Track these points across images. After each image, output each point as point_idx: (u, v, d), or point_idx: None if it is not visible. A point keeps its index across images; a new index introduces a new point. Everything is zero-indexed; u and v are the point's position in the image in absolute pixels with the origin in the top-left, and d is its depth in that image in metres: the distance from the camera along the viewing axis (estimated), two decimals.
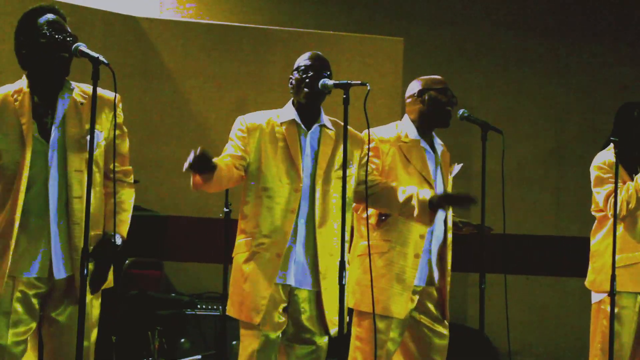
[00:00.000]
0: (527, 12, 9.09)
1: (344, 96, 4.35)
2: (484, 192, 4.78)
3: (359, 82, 4.35)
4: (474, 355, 7.98)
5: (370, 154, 4.82)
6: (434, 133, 5.06)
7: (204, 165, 4.24)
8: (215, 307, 7.22)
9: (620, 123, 5.66)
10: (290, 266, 4.45)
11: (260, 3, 8.81)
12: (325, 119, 4.62)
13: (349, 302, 4.81)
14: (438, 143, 5.07)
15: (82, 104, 4.19)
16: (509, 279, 5.45)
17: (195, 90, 8.04)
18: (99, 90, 4.12)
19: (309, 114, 4.58)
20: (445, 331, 4.98)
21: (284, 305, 4.44)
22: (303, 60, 4.66)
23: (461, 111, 4.89)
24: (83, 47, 4.00)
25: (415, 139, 4.95)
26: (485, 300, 4.79)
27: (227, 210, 6.84)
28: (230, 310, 4.49)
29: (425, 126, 5.00)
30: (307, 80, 4.52)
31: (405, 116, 5.05)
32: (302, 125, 4.56)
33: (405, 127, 4.98)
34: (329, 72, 4.55)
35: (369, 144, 4.79)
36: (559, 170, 8.97)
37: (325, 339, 4.53)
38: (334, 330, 4.49)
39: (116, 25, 7.80)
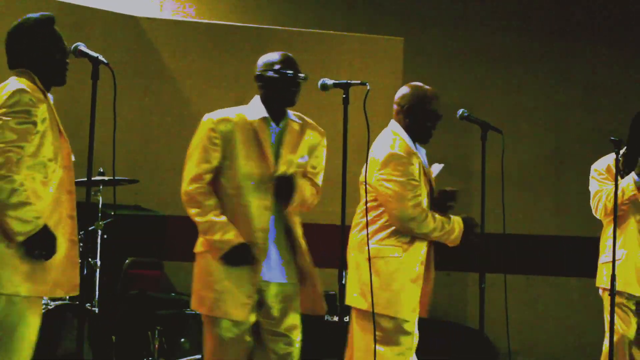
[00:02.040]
0: (527, 12, 9.09)
1: (344, 96, 4.36)
2: (483, 192, 4.78)
3: (359, 81, 4.36)
4: (474, 355, 7.98)
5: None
6: None
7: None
8: None
9: (634, 131, 5.79)
10: (266, 261, 4.50)
11: (260, 3, 8.81)
12: (290, 113, 4.66)
13: (362, 305, 4.84)
14: (421, 151, 5.08)
15: None
16: (508, 278, 5.46)
17: (195, 90, 8.04)
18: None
19: (279, 110, 4.60)
20: None
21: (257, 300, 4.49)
22: (277, 59, 4.69)
23: (461, 111, 4.90)
24: (83, 47, 4.01)
25: (415, 152, 4.98)
26: (485, 300, 4.79)
27: None
28: (195, 305, 4.54)
29: (412, 138, 5.00)
30: (292, 80, 4.56)
31: (399, 127, 4.99)
32: (272, 122, 4.58)
33: (407, 140, 4.98)
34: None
35: (368, 147, 4.81)
36: (559, 170, 8.97)
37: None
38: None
39: (116, 25, 7.80)
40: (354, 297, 4.87)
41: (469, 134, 8.31)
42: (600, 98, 8.99)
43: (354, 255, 4.89)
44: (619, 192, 5.56)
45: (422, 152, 5.04)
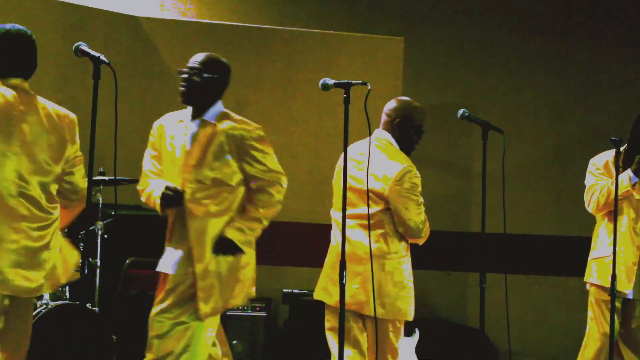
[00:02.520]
0: (527, 12, 9.09)
1: (345, 95, 4.36)
2: (484, 191, 4.78)
3: (360, 81, 4.37)
4: (475, 355, 7.98)
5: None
6: None
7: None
8: None
9: (636, 130, 5.81)
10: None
11: (261, 3, 8.81)
12: (210, 114, 4.76)
13: (386, 315, 4.97)
14: None
15: None
16: (509, 278, 5.46)
17: None
18: (59, 109, 4.41)
19: (195, 111, 4.78)
20: None
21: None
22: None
23: (461, 111, 4.90)
24: (84, 47, 4.02)
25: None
26: (486, 300, 4.80)
27: None
28: None
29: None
30: (181, 81, 4.84)
31: (392, 138, 5.12)
32: (186, 123, 4.76)
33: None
34: (200, 72, 4.82)
35: (369, 147, 4.80)
36: (559, 170, 8.96)
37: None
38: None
39: (117, 25, 7.80)
40: (379, 309, 4.97)
41: (469, 133, 8.31)
42: (600, 98, 8.98)
43: (368, 266, 4.89)
44: (612, 187, 5.59)
45: None
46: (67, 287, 6.21)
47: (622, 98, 8.90)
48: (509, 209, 5.15)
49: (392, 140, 5.07)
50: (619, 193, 5.58)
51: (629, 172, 5.66)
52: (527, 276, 8.69)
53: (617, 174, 5.57)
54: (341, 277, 4.35)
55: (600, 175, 5.76)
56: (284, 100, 8.01)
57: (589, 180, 5.83)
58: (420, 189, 4.99)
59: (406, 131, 5.08)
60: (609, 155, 5.79)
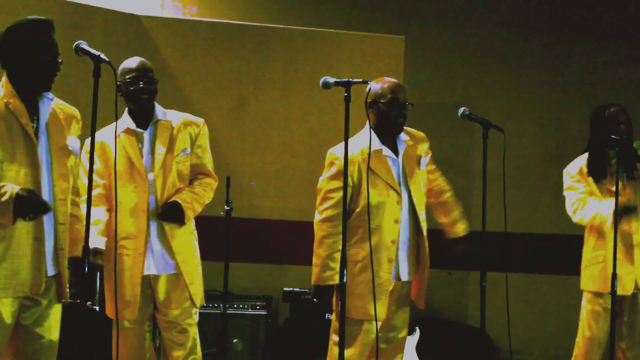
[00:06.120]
0: (527, 12, 9.08)
1: (345, 94, 4.37)
2: (485, 190, 4.79)
3: (360, 80, 4.38)
4: (475, 354, 7.98)
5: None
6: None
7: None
8: (216, 305, 7.23)
9: (595, 128, 5.81)
10: (149, 257, 4.92)
11: (261, 1, 8.81)
12: (160, 113, 5.01)
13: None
14: (402, 141, 5.16)
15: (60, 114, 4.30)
16: (510, 277, 5.46)
17: (196, 89, 8.04)
18: (66, 105, 4.33)
19: (143, 116, 4.98)
20: (399, 323, 5.23)
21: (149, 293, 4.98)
22: (129, 69, 4.98)
23: (462, 109, 4.91)
24: (84, 45, 4.02)
25: (378, 149, 5.05)
26: (486, 299, 4.80)
27: (228, 208, 6.85)
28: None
29: (383, 134, 5.09)
30: (140, 88, 4.92)
31: (367, 124, 5.09)
32: (138, 129, 4.96)
33: (367, 138, 5.03)
34: (152, 76, 4.96)
35: (370, 145, 4.82)
36: (559, 169, 8.94)
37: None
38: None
39: (117, 23, 7.80)
40: None
41: (470, 132, 8.32)
42: (600, 98, 8.98)
43: None
44: (596, 216, 5.55)
45: (400, 142, 5.17)
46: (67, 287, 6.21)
47: (622, 98, 8.90)
48: (509, 207, 5.16)
49: (364, 131, 5.10)
50: (596, 224, 5.56)
51: (609, 211, 5.58)
52: (527, 275, 8.68)
53: (618, 171, 5.53)
54: (342, 276, 4.36)
55: (577, 184, 5.74)
56: (284, 98, 8.01)
57: (571, 192, 5.83)
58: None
59: (380, 111, 5.03)
60: (582, 161, 5.80)
